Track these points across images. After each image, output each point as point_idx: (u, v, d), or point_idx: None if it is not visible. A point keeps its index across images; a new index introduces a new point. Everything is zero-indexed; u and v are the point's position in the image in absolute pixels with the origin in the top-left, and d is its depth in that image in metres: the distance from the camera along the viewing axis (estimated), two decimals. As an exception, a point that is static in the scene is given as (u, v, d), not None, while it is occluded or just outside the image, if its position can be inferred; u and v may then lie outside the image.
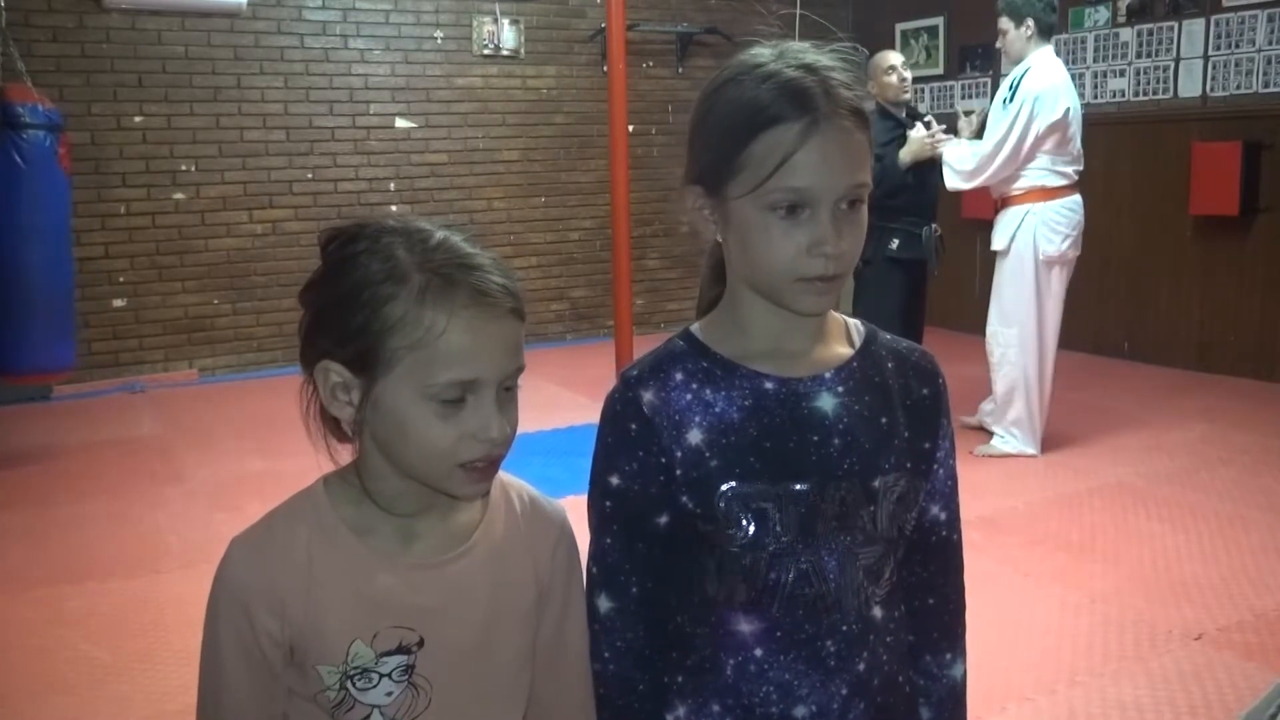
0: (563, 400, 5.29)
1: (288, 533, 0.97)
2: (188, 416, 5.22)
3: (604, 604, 1.03)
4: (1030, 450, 4.29)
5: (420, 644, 0.97)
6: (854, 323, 1.07)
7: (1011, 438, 4.30)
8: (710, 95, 0.99)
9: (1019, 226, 4.21)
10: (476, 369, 0.92)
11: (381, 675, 0.96)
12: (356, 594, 0.95)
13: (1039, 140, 4.13)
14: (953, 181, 4.37)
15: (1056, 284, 4.26)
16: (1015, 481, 4.01)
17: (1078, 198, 4.26)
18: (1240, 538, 3.37)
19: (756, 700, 0.99)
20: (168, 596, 3.06)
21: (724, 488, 0.96)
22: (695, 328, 1.06)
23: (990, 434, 4.43)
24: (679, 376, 1.00)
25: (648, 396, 1.00)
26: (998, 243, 4.30)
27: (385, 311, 0.91)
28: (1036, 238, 4.18)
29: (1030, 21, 4.15)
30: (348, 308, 0.92)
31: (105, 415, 5.29)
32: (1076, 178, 4.26)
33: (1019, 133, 4.11)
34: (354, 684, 0.95)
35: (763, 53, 0.97)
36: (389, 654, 0.96)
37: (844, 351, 1.04)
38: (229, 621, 0.95)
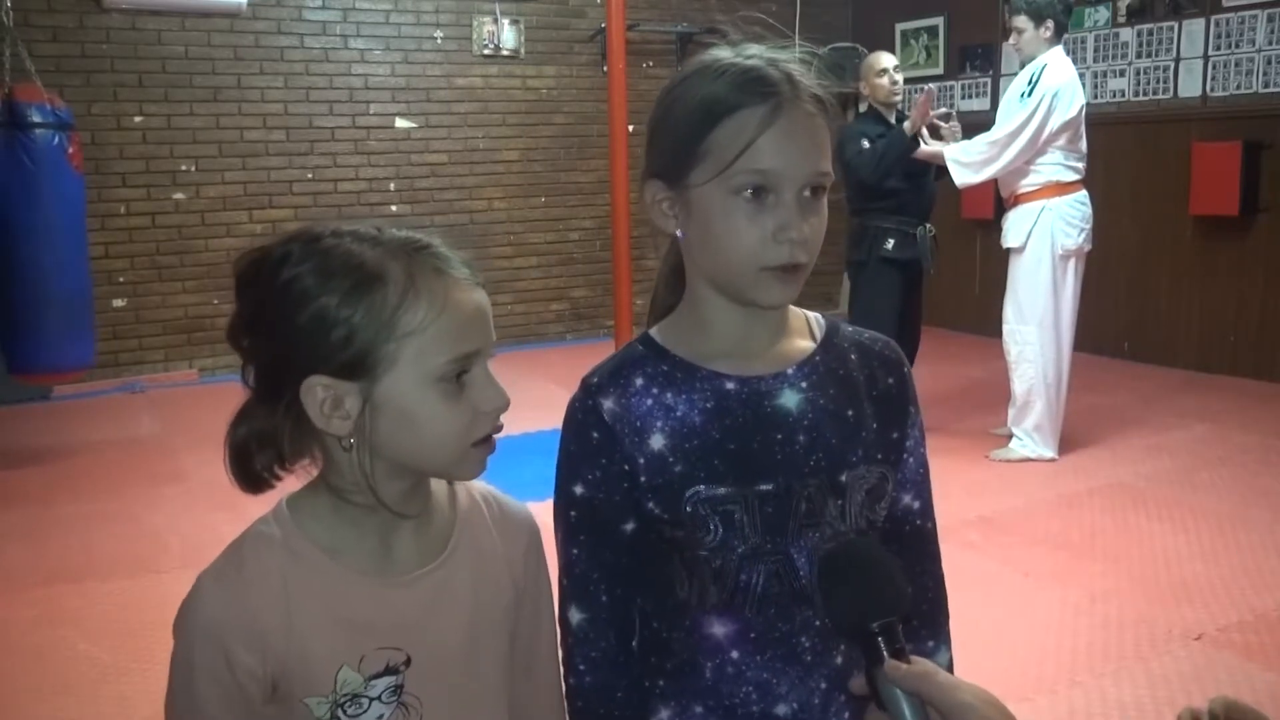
0: (563, 400, 5.25)
1: (258, 563, 0.92)
2: (188, 416, 5.22)
3: (575, 615, 1.02)
4: (1049, 454, 4.24)
5: (407, 662, 0.94)
6: (814, 316, 1.06)
7: (1031, 441, 4.26)
8: (670, 91, 0.99)
9: (1035, 223, 4.20)
10: (475, 340, 0.91)
11: (371, 699, 0.93)
12: (338, 619, 0.92)
13: (1053, 135, 4.14)
14: (963, 176, 4.33)
15: (1072, 278, 4.26)
16: (1015, 481, 4.01)
17: (1086, 193, 4.27)
18: (1240, 538, 3.36)
19: (737, 700, 0.99)
20: (168, 596, 3.05)
21: (690, 492, 0.95)
22: (654, 331, 1.05)
23: (1004, 438, 4.40)
24: (639, 382, 1.00)
25: (608, 404, 0.99)
26: (1013, 240, 4.29)
27: (375, 311, 0.88)
28: (1054, 232, 4.18)
29: (1050, 22, 4.15)
30: (321, 326, 0.88)
31: (105, 415, 5.30)
32: (1084, 173, 4.28)
33: (1037, 123, 4.11)
34: (345, 711, 0.92)
35: (722, 51, 0.98)
36: (377, 676, 0.93)
37: (806, 346, 1.03)
38: (204, 662, 0.90)
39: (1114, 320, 6.08)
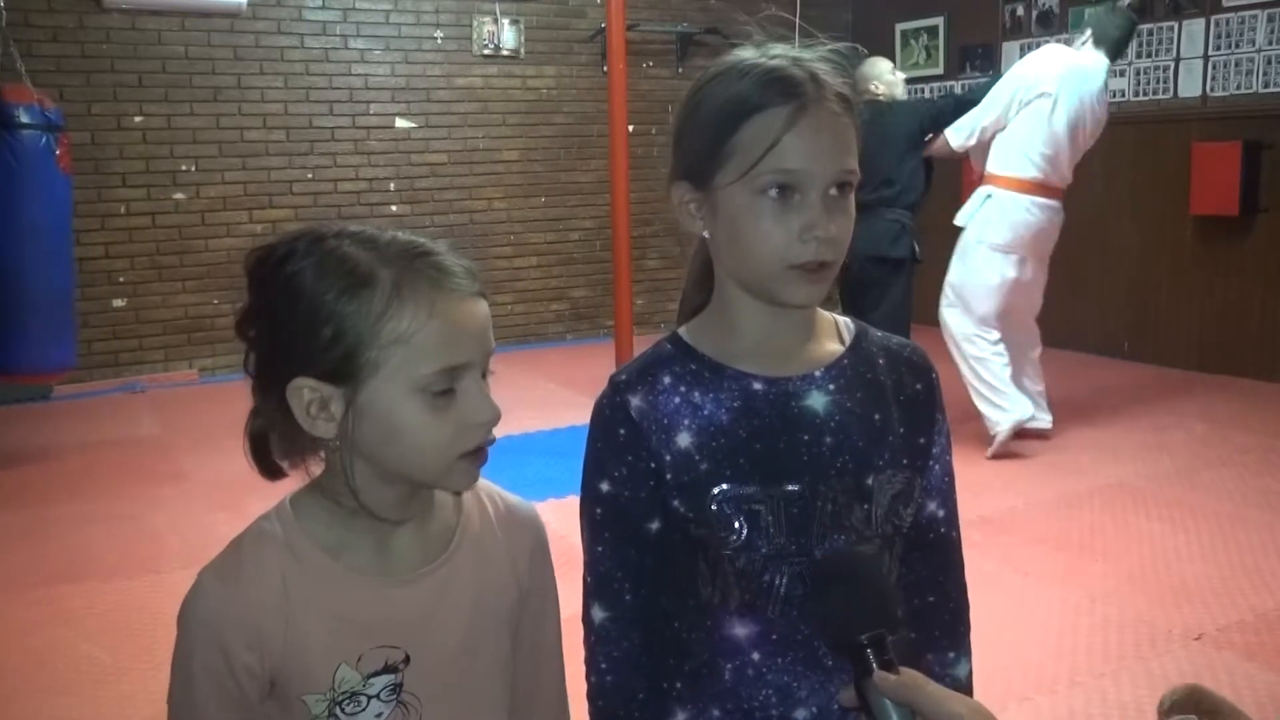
0: (563, 400, 5.29)
1: (258, 560, 0.93)
2: (188, 416, 5.22)
3: (598, 614, 1.02)
4: (1024, 415, 4.22)
5: (406, 661, 0.95)
6: (844, 320, 1.06)
7: (1001, 412, 4.21)
8: (696, 92, 0.99)
9: (980, 207, 4.26)
10: (464, 353, 0.90)
11: (370, 697, 0.94)
12: (337, 618, 0.93)
13: (999, 120, 4.23)
14: (952, 138, 4.45)
15: (1010, 271, 4.25)
16: (1015, 481, 4.01)
17: (1048, 202, 4.21)
18: (1240, 538, 3.36)
19: (756, 704, 0.99)
20: (168, 596, 3.05)
21: (715, 491, 0.95)
22: (683, 330, 1.05)
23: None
24: (667, 380, 1.00)
25: (635, 401, 0.99)
26: (960, 218, 4.34)
27: (361, 314, 0.88)
28: (988, 222, 4.20)
29: (1088, 30, 4.30)
30: (312, 323, 0.89)
31: (105, 415, 5.29)
32: (1054, 182, 4.22)
33: (989, 100, 4.27)
34: (343, 709, 0.93)
35: (747, 51, 0.98)
36: (376, 675, 0.94)
37: (834, 349, 1.03)
38: (204, 658, 0.91)
39: (1114, 320, 6.09)
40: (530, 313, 6.98)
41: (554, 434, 4.65)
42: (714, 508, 0.95)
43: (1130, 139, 5.93)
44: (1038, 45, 6.39)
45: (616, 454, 0.99)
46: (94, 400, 5.58)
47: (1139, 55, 5.95)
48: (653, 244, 7.29)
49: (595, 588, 1.02)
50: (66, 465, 4.46)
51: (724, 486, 0.95)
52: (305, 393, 0.90)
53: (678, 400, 0.99)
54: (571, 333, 7.14)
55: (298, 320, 0.89)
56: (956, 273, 4.35)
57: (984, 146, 4.36)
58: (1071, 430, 4.47)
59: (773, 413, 0.98)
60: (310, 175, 6.28)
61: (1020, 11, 6.53)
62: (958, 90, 7.06)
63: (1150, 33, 5.88)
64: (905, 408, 1.03)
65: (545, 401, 5.26)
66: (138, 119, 5.83)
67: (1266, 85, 5.37)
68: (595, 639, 1.03)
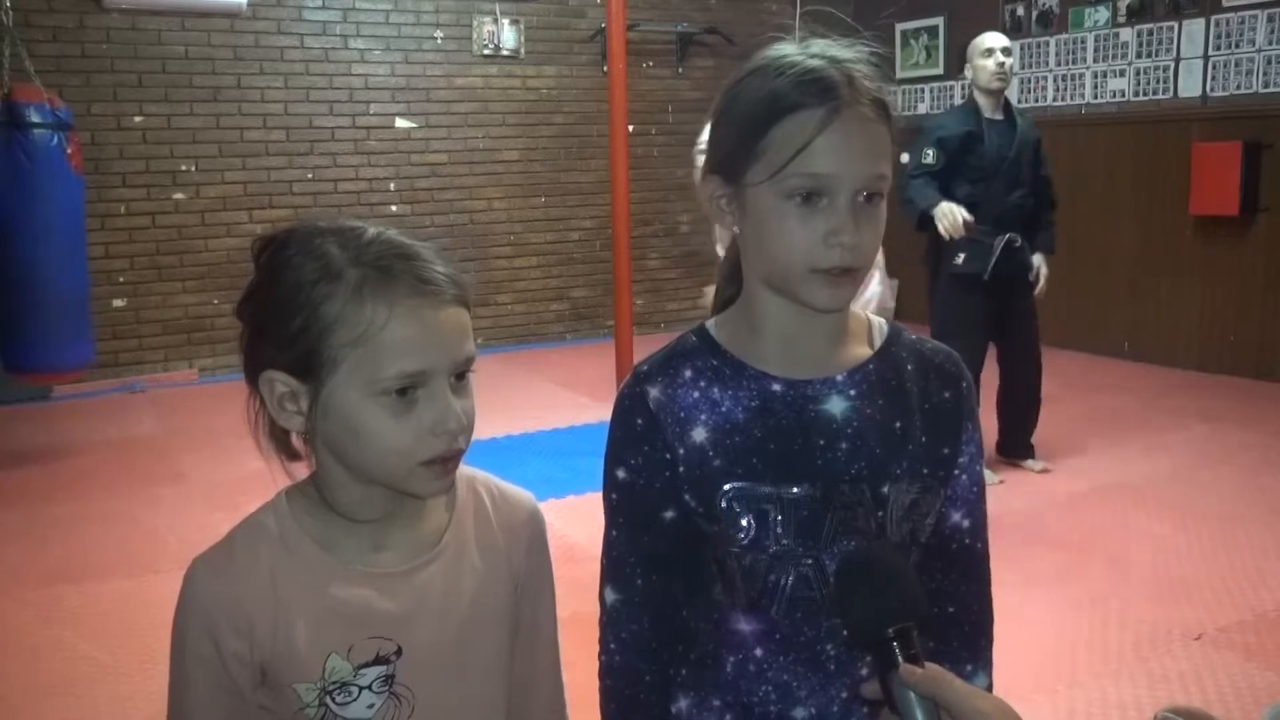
0: (563, 400, 5.30)
1: (249, 551, 0.95)
2: (187, 416, 5.22)
3: (610, 595, 1.03)
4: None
5: (398, 653, 0.95)
6: (878, 322, 1.05)
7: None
8: (734, 86, 0.98)
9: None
10: (424, 359, 0.89)
11: (361, 688, 0.94)
12: (327, 608, 0.94)
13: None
14: None
15: None
16: (1015, 482, 4.01)
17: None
18: (1240, 538, 3.36)
19: (755, 699, 0.99)
20: (167, 596, 3.02)
21: (726, 488, 0.96)
22: (710, 323, 1.04)
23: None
24: (688, 373, 1.00)
25: (654, 392, 0.99)
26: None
27: (323, 310, 0.89)
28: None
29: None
30: (285, 312, 0.90)
31: (105, 415, 5.29)
32: None
33: None
34: (334, 699, 0.93)
35: (787, 47, 0.97)
36: (367, 666, 0.94)
37: (862, 353, 1.02)
38: (195, 645, 0.93)
39: (1114, 320, 6.08)
40: (530, 313, 6.97)
41: (554, 434, 4.66)
42: (723, 504, 0.96)
43: (1130, 139, 5.94)
44: (1038, 45, 6.42)
45: (633, 443, 1.00)
46: (94, 400, 5.58)
47: (1139, 55, 5.95)
48: (653, 244, 7.29)
49: (609, 571, 1.04)
50: (66, 465, 4.46)
51: (735, 484, 0.96)
52: (276, 385, 0.91)
53: (696, 395, 0.99)
54: (571, 333, 7.14)
55: (273, 309, 0.91)
56: None
57: None
58: (1072, 430, 4.46)
59: (789, 414, 0.97)
60: (310, 175, 6.28)
61: (1020, 11, 6.53)
62: (958, 90, 7.07)
63: (1150, 33, 5.88)
64: (930, 416, 1.01)
65: (545, 401, 5.26)
66: (138, 119, 5.83)
67: (1266, 85, 5.37)
68: (607, 620, 1.04)
